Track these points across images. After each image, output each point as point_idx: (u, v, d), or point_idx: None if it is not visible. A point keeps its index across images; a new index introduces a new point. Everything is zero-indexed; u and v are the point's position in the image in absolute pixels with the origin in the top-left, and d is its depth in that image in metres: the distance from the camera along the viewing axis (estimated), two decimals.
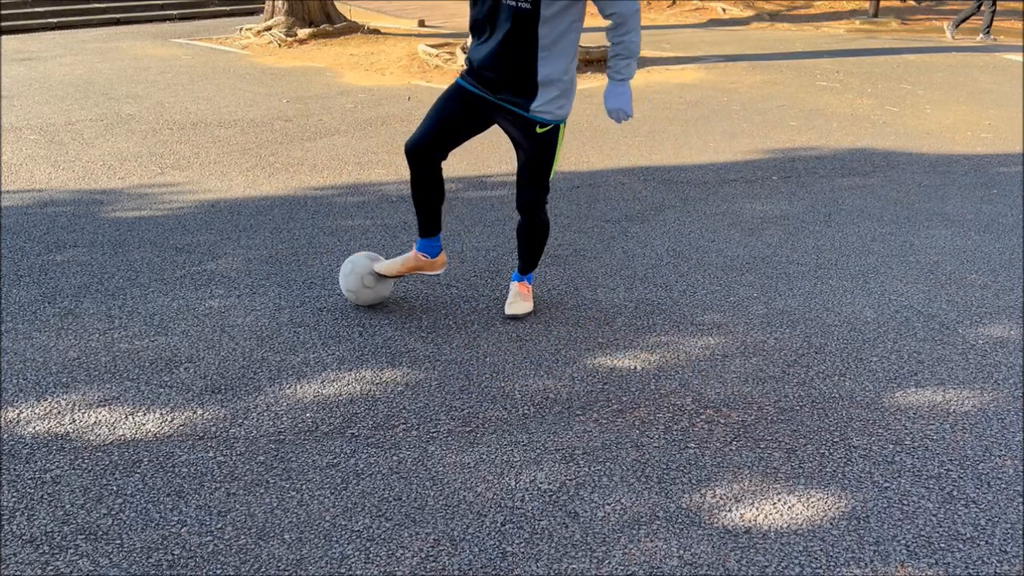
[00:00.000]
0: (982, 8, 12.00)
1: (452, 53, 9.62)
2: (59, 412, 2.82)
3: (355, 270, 3.49)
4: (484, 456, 2.61)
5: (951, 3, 16.20)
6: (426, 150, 3.17)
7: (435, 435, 2.71)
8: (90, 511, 2.35)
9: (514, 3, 2.90)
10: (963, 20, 12.14)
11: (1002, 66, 9.94)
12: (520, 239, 3.48)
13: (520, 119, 3.09)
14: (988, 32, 12.08)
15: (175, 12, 13.81)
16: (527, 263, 3.56)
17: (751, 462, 2.59)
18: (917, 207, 5.01)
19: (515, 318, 3.51)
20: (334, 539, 2.25)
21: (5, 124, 6.75)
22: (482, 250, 4.28)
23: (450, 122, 3.17)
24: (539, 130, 3.08)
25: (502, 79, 3.04)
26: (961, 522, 2.34)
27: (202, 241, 4.35)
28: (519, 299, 3.57)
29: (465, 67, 3.17)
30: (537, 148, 3.13)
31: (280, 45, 10.88)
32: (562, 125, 3.14)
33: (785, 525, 2.32)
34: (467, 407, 2.87)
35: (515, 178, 3.29)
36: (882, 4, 14.49)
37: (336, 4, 12.28)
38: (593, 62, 9.29)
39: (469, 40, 3.22)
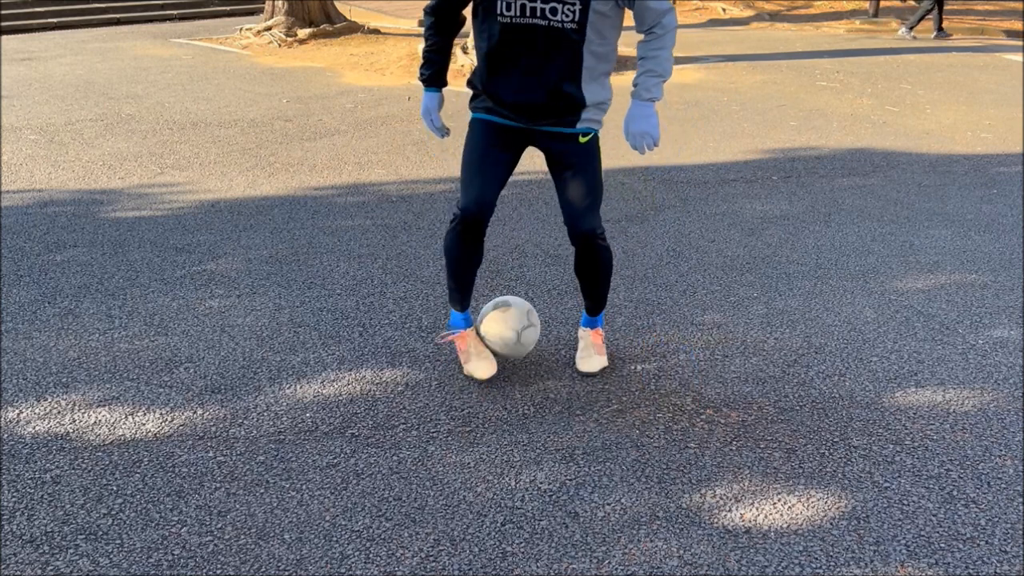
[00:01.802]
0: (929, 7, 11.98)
1: (452, 53, 9.61)
2: (59, 412, 2.82)
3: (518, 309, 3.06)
4: (484, 456, 2.61)
5: (952, 3, 16.18)
6: (489, 209, 2.80)
7: (435, 435, 2.71)
8: (90, 511, 2.35)
9: (556, 23, 2.55)
10: (919, 19, 12.13)
11: (1002, 66, 9.94)
12: (583, 276, 2.97)
13: (562, 134, 2.76)
14: (941, 30, 12.11)
15: (175, 12, 13.81)
16: (596, 301, 3.07)
17: (751, 462, 2.59)
18: (917, 207, 5.01)
19: (590, 376, 3.07)
20: (334, 539, 2.25)
21: (5, 124, 6.76)
22: None
23: (498, 167, 2.81)
24: (583, 139, 2.76)
25: (543, 107, 2.69)
26: (961, 522, 2.34)
27: (202, 241, 4.35)
28: (592, 352, 3.10)
29: (480, 103, 2.81)
30: (584, 159, 2.77)
31: (280, 45, 10.88)
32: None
33: (785, 525, 2.32)
34: (467, 407, 2.87)
35: (560, 207, 2.84)
36: (882, 4, 14.48)
37: (336, 4, 12.28)
38: None
39: (463, 54, 2.84)
